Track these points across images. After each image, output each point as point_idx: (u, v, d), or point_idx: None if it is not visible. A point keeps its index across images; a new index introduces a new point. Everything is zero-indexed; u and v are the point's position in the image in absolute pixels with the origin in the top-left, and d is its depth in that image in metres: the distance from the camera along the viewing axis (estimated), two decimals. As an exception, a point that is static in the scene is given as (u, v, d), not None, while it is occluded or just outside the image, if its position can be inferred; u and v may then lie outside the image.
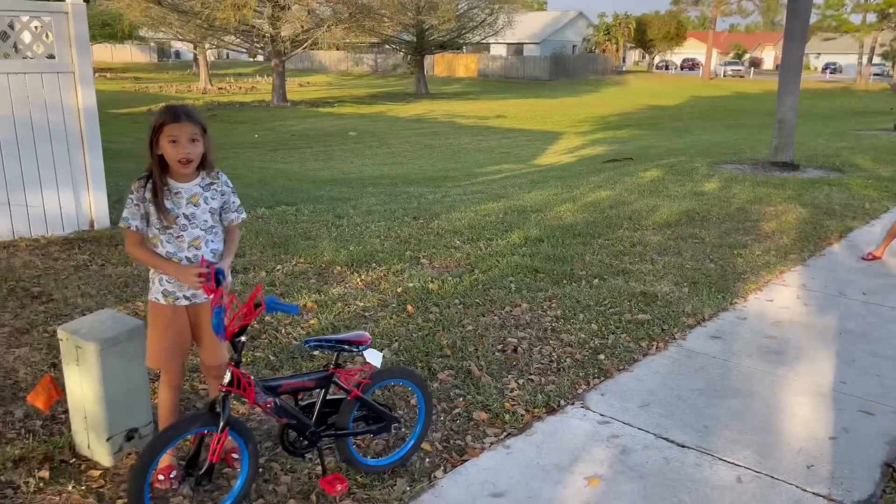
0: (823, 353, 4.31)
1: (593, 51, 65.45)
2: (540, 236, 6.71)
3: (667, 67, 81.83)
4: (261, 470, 2.95)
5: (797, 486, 2.95)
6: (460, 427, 3.38)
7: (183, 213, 2.67)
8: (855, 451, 3.22)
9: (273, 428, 3.29)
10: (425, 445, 3.21)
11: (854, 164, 11.80)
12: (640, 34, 68.43)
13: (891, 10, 48.09)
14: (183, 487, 2.79)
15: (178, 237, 2.67)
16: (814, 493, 2.91)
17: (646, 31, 68.23)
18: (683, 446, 3.26)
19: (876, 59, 61.96)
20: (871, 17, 51.12)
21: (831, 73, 72.25)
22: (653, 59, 76.34)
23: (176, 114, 2.63)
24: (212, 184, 2.74)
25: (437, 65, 61.38)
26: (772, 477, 3.02)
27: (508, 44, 62.90)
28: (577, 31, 67.06)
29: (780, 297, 5.29)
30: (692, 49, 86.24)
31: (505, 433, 3.33)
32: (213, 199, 2.74)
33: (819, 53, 79.26)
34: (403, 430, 3.23)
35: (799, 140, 12.67)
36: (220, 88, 41.10)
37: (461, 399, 3.62)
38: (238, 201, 2.84)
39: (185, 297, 2.74)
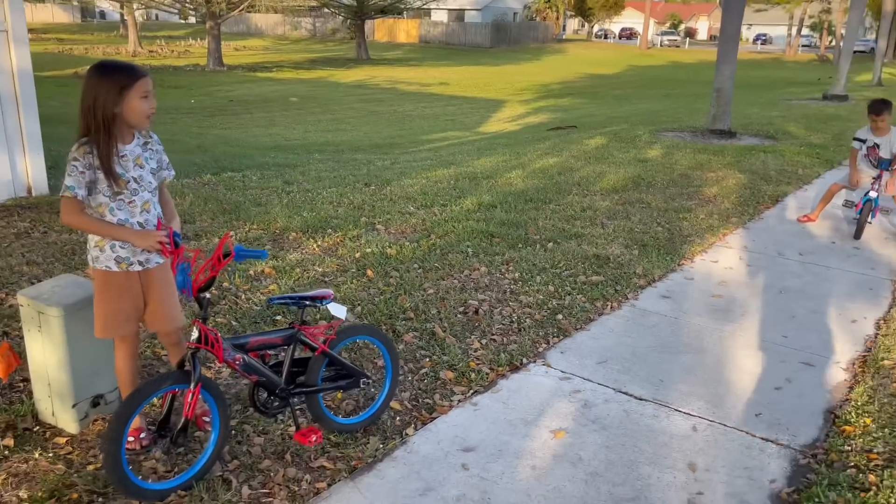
0: (766, 309, 4.55)
1: (534, 18, 65.49)
2: (493, 202, 6.78)
3: (605, 36, 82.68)
4: (234, 432, 2.96)
5: (747, 433, 3.14)
6: (428, 386, 3.44)
7: (132, 177, 2.58)
8: (799, 400, 3.44)
9: (243, 390, 3.29)
10: (395, 405, 3.26)
11: (787, 131, 12.28)
12: (579, 2, 68.76)
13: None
14: (155, 450, 2.78)
15: (129, 203, 2.58)
16: (762, 439, 3.10)
17: (585, 0, 68.59)
18: (641, 399, 3.41)
19: (805, 31, 64.05)
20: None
21: (762, 44, 74.38)
22: (592, 27, 76.94)
23: (140, 69, 2.56)
24: (146, 143, 2.66)
25: (378, 30, 60.35)
26: (724, 425, 3.20)
27: (450, 9, 62.31)
28: (519, -2, 66.91)
29: (724, 258, 5.52)
30: (630, 18, 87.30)
31: (472, 391, 3.42)
32: (151, 158, 2.67)
33: (750, 24, 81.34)
34: (373, 389, 3.28)
35: (735, 109, 13.08)
36: (152, 52, 39.45)
37: (427, 359, 3.68)
38: (167, 159, 2.77)
39: (140, 263, 2.65)
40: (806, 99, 19.59)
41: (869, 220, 6.12)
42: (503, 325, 4.13)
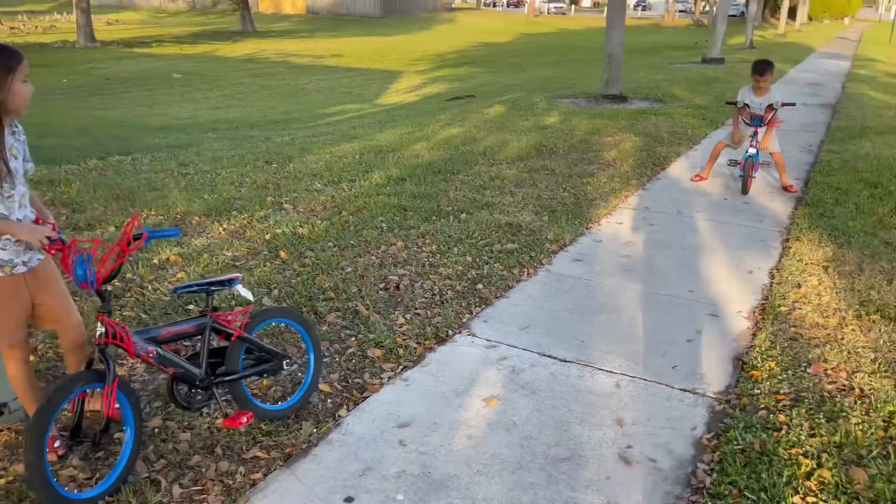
0: (671, 266, 4.77)
1: (422, -13, 64.87)
2: (402, 175, 6.72)
3: (494, 5, 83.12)
4: (157, 430, 2.81)
5: (667, 385, 3.30)
6: (356, 365, 3.40)
7: (12, 169, 2.38)
8: (709, 350, 3.64)
9: (160, 387, 3.12)
10: (325, 387, 3.20)
11: (673, 94, 12.83)
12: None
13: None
14: (72, 458, 2.60)
15: (8, 197, 2.36)
16: (681, 389, 3.27)
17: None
18: (566, 361, 3.50)
19: (680, -2, 66.92)
20: (675, -43, 54.87)
21: (642, 9, 77.12)
22: (480, -5, 77.17)
23: (18, 51, 2.34)
24: (14, 132, 2.45)
25: (262, 1, 58.03)
26: (644, 379, 3.35)
27: (337, -21, 60.70)
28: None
29: (627, 219, 5.74)
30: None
31: (401, 367, 3.40)
32: (20, 149, 2.46)
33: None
34: (300, 373, 3.20)
35: (624, 73, 13.53)
36: (13, 28, 36.25)
37: (353, 339, 3.63)
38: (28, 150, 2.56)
39: (23, 263, 2.45)
40: (687, 63, 20.52)
41: (752, 175, 6.50)
42: (426, 298, 4.12)
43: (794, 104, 7.01)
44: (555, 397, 3.18)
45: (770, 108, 6.38)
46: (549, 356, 3.54)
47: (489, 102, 12.44)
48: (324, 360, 3.42)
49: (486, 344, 3.65)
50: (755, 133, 6.43)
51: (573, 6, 78.71)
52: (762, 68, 6.42)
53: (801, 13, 44.45)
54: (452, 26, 50.74)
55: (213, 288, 2.78)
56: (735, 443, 2.79)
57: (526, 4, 70.36)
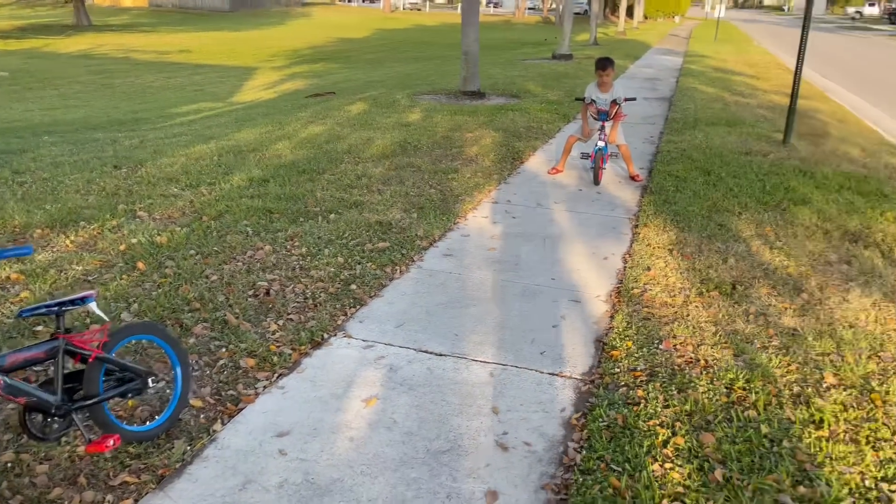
0: (535, 256, 4.99)
1: (274, -19, 63.08)
2: (264, 176, 6.55)
3: (349, 0, 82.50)
4: (9, 465, 2.59)
5: (537, 371, 3.46)
6: (229, 377, 3.29)
7: None
8: (573, 335, 3.86)
9: (9, 417, 2.87)
10: (196, 402, 3.08)
11: (528, 90, 13.37)
12: (319, -36, 67.58)
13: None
14: None
15: None
16: (550, 374, 3.44)
17: (325, -38, 67.58)
18: (441, 355, 3.59)
19: (529, -5, 69.62)
20: (523, -43, 57.03)
21: (494, 7, 79.50)
22: (335, -10, 76.19)
23: None
24: None
25: (98, -8, 54.04)
26: (516, 367, 3.50)
27: (180, -30, 57.65)
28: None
29: (492, 213, 5.94)
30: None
31: (276, 374, 3.34)
32: None
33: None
34: (168, 391, 3.06)
35: (480, 70, 13.91)
36: None
37: (223, 350, 3.51)
38: None
39: None
40: (538, 59, 21.42)
41: (602, 166, 6.93)
42: (298, 302, 4.06)
43: (634, 98, 7.53)
44: (433, 392, 3.25)
45: (614, 103, 6.82)
46: (426, 351, 3.61)
47: (350, 99, 12.37)
48: (193, 374, 3.29)
49: (362, 344, 3.66)
50: (602, 127, 6.86)
51: (428, 2, 79.72)
52: (604, 64, 6.87)
53: (638, 12, 47.65)
54: (307, 21, 49.80)
55: (63, 308, 2.59)
56: (600, 420, 2.99)
57: (381, 0, 70.37)
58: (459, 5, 12.73)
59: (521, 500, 2.56)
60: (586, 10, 45.43)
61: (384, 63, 23.96)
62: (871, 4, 79.33)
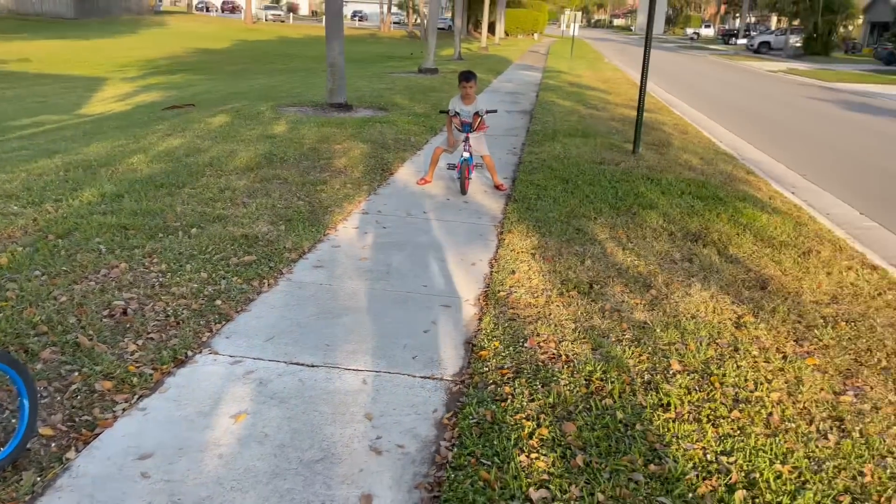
0: (406, 264, 5.07)
1: (125, -13, 59.67)
2: (118, 192, 6.20)
3: (207, 9, 79.60)
4: None
5: (409, 375, 3.52)
6: (83, 402, 3.09)
7: None
8: (443, 338, 3.96)
9: None
10: (46, 431, 2.87)
11: (395, 103, 13.51)
12: (174, -28, 64.75)
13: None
14: None
15: None
16: (422, 377, 3.51)
17: (180, -30, 64.85)
18: (313, 366, 3.56)
19: (394, 10, 70.35)
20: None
21: (360, 20, 79.63)
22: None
23: None
24: None
25: (-82, -7, 48.79)
26: (389, 373, 3.54)
27: (16, -27, 53.23)
28: (102, -37, 60.09)
29: (363, 224, 5.96)
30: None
31: (137, 396, 3.18)
32: None
33: (347, 2, 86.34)
34: (13, 420, 2.84)
35: (347, 82, 13.89)
36: None
37: (76, 374, 3.29)
38: None
39: None
40: (405, 73, 21.70)
41: (468, 176, 7.15)
42: (159, 321, 3.88)
43: (496, 111, 7.83)
44: (305, 403, 3.22)
45: (476, 115, 7.07)
46: (297, 363, 3.57)
47: (212, 111, 11.95)
48: (41, 401, 3.06)
49: (229, 360, 3.56)
50: (466, 138, 7.08)
51: (291, 14, 78.54)
52: (467, 76, 7.11)
53: (499, 28, 49.49)
54: (162, 30, 47.54)
55: None
56: (470, 417, 3.09)
57: (242, 10, 68.46)
58: (324, 18, 12.66)
59: (396, 501, 2.60)
60: (450, 26, 46.53)
61: (247, 75, 23.32)
62: (707, 26, 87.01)
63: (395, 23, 70.35)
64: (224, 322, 3.95)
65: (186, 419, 3.04)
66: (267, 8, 75.23)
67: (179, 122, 10.73)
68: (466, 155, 7.02)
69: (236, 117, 10.97)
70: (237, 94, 15.86)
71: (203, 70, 25.65)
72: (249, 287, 4.43)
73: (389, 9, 64.50)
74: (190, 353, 3.58)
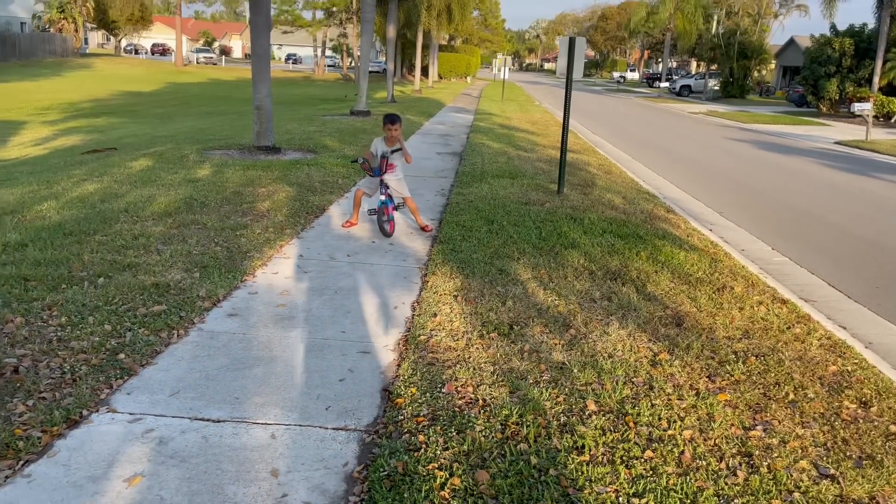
0: (325, 310, 4.95)
1: (47, 29, 58.17)
2: (22, 240, 5.89)
3: (136, 52, 78.36)
4: None
5: (321, 427, 3.40)
6: (-40, 472, 2.85)
7: None
8: (360, 386, 3.85)
9: None
10: (-87, 507, 2.63)
11: (325, 145, 13.45)
12: (100, 14, 63.38)
13: (335, 9, 55.32)
14: None
15: None
16: (334, 429, 3.40)
17: (107, 12, 63.56)
18: (219, 421, 3.40)
19: (328, 53, 70.82)
20: (320, 14, 57.98)
21: (294, 63, 79.77)
22: (119, 42, 71.94)
23: None
24: None
25: None
26: (300, 426, 3.41)
27: (-69, 13, 51.36)
28: (24, 6, 58.53)
29: (283, 269, 5.82)
30: (161, 34, 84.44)
31: (21, 462, 2.95)
32: None
33: (281, 45, 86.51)
34: None
35: (277, 125, 13.77)
36: None
37: (-46, 440, 3.04)
38: None
39: None
40: (337, 115, 21.71)
41: (387, 218, 7.03)
42: (53, 378, 3.65)
43: (400, 149, 7.51)
44: (207, 461, 3.06)
45: (384, 158, 6.98)
46: (202, 419, 3.40)
47: (133, 155, 11.62)
48: (-88, 473, 2.81)
49: (128, 418, 3.36)
50: (381, 181, 7.01)
51: (224, 56, 78.09)
52: (393, 118, 7.08)
53: (433, 72, 50.31)
54: (88, 73, 46.42)
55: None
56: (381, 470, 2.99)
57: (173, 53, 67.65)
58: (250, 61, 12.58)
59: (297, 566, 2.46)
60: (384, 69, 47.13)
61: (175, 118, 22.90)
62: (632, 70, 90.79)
63: (329, 66, 70.76)
64: (126, 377, 3.75)
65: (75, 485, 2.84)
66: (198, 50, 74.60)
67: (98, 166, 10.39)
68: (383, 198, 6.94)
69: (159, 161, 10.69)
70: (163, 137, 15.51)
71: (129, 113, 25.06)
72: (157, 339, 4.23)
73: (324, 52, 64.90)
74: (85, 413, 3.37)
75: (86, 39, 67.72)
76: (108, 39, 77.62)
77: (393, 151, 7.06)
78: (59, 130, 19.01)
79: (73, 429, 3.24)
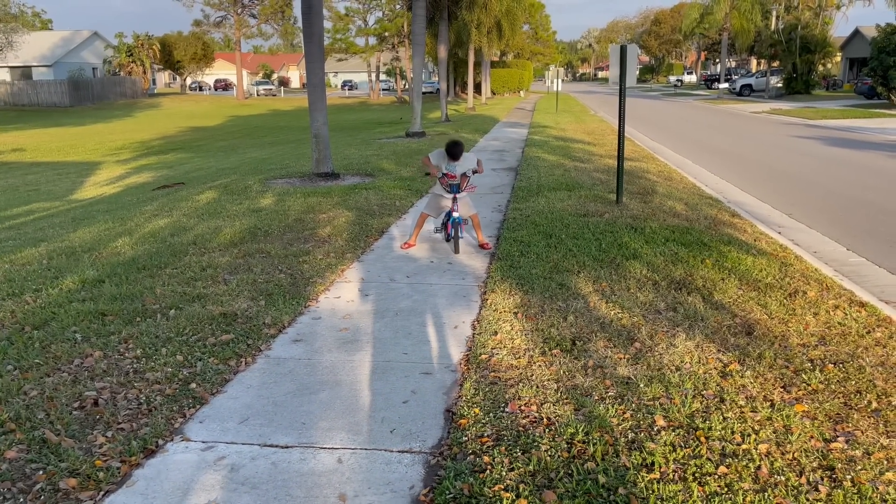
0: (387, 332, 5.00)
1: (118, 73, 61.30)
2: (99, 277, 6.18)
3: (200, 88, 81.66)
4: None
5: (386, 450, 3.42)
6: (47, 502, 2.99)
7: None
8: (423, 408, 3.86)
9: None
10: (6, 537, 2.77)
11: (382, 168, 13.65)
12: (166, 55, 66.52)
13: (386, 34, 56.44)
14: None
15: None
16: (399, 451, 3.41)
17: (172, 53, 66.63)
18: (287, 447, 3.46)
19: (382, 77, 72.09)
20: (373, 40, 59.23)
21: (349, 89, 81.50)
22: (184, 80, 75.16)
23: None
24: None
25: (-83, 92, 50.09)
26: (365, 449, 3.44)
27: (12, 67, 54.82)
28: (95, 52, 61.93)
29: (345, 293, 5.91)
30: (223, 70, 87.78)
31: (102, 492, 3.07)
32: None
33: (336, 72, 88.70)
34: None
35: (335, 151, 14.08)
36: None
37: (41, 472, 3.20)
38: None
39: None
40: (393, 137, 22.03)
41: (461, 235, 7.14)
42: (130, 409, 3.80)
43: (480, 171, 7.66)
44: (277, 487, 3.12)
45: (464, 176, 7.09)
46: (271, 445, 3.48)
47: (200, 189, 12.06)
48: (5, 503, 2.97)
49: (201, 447, 3.46)
50: (454, 199, 7.09)
51: (283, 87, 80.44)
52: (454, 152, 7.06)
53: (485, 88, 50.53)
54: (156, 112, 48.59)
55: None
56: (447, 492, 2.98)
57: (235, 87, 70.15)
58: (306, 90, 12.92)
59: (367, 591, 2.47)
60: (438, 89, 47.59)
61: (238, 150, 23.68)
62: (689, 72, 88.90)
63: (383, 89, 71.99)
64: (198, 406, 3.87)
65: (153, 514, 2.93)
66: (258, 83, 77.17)
67: (168, 201, 10.82)
68: (456, 215, 7.03)
69: (224, 193, 11.06)
70: (228, 169, 16.06)
71: (195, 148, 26.07)
72: (226, 367, 4.35)
73: (378, 76, 66.08)
74: (161, 442, 3.48)
75: (153, 80, 70.95)
76: (174, 78, 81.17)
77: (474, 171, 7.16)
78: (132, 168, 19.92)
79: (150, 458, 3.35)
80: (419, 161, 14.41)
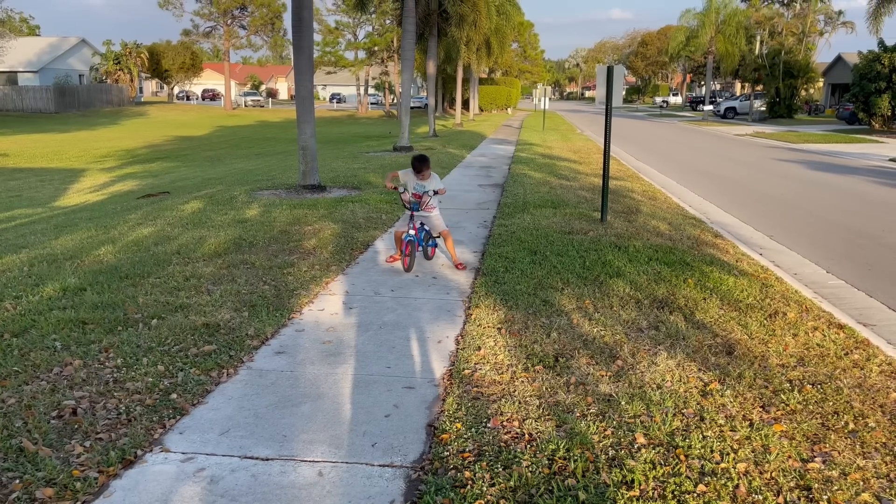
0: (370, 346, 5.00)
1: (104, 80, 60.98)
2: (80, 284, 6.13)
3: (188, 98, 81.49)
4: None
5: (367, 464, 3.41)
6: (22, 513, 2.95)
7: None
8: (405, 422, 3.86)
9: None
10: (-22, 548, 2.73)
11: (369, 181, 13.67)
12: (154, 64, 66.33)
13: (376, 48, 56.66)
14: None
15: None
16: (380, 465, 3.40)
17: (160, 61, 66.46)
18: (268, 459, 3.44)
19: (371, 91, 72.30)
20: (362, 54, 59.43)
21: (338, 102, 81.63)
22: (172, 89, 74.94)
23: None
24: None
25: None
26: (346, 463, 3.43)
27: (-2, 72, 54.47)
28: (82, 59, 61.66)
29: (329, 305, 5.90)
30: (211, 80, 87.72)
31: (79, 503, 3.04)
32: None
33: (325, 85, 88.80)
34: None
35: (322, 164, 14.08)
36: None
37: (17, 481, 3.15)
38: None
39: None
40: (381, 151, 22.08)
41: (408, 253, 6.83)
42: (109, 419, 3.76)
43: (443, 191, 7.32)
44: (256, 500, 3.10)
45: (426, 194, 6.96)
46: (251, 457, 3.46)
47: (185, 198, 12.01)
48: (-22, 514, 2.92)
49: (181, 458, 3.43)
50: (411, 216, 6.99)
51: (270, 99, 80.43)
52: (419, 166, 6.92)
53: (473, 105, 50.84)
54: (143, 120, 48.36)
55: None
56: (428, 507, 2.98)
57: (222, 97, 70.05)
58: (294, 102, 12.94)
59: None
60: (426, 104, 47.78)
61: (224, 160, 23.61)
62: (675, 94, 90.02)
63: (372, 103, 72.20)
64: (179, 417, 3.84)
65: (130, 525, 2.90)
66: (246, 94, 77.08)
67: (152, 210, 10.76)
68: (412, 232, 6.91)
69: (209, 203, 11.02)
70: (214, 179, 16.00)
71: (181, 157, 25.95)
72: (207, 378, 4.33)
73: (366, 90, 66.27)
74: (140, 453, 3.45)
75: (140, 88, 70.67)
76: (162, 87, 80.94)
77: (436, 192, 7.05)
78: (117, 176, 19.79)
79: (128, 469, 3.32)
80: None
